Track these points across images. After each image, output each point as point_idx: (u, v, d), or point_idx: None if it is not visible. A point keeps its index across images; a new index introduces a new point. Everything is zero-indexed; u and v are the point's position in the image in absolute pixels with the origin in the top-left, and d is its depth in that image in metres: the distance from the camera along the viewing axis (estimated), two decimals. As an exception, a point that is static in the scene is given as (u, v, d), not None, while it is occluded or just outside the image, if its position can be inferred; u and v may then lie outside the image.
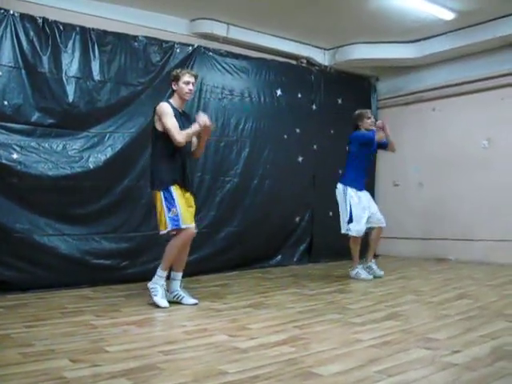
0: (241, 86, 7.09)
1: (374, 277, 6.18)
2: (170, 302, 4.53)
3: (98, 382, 2.57)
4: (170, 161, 4.52)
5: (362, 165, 6.15)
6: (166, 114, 4.45)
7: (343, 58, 8.13)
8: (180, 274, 4.70)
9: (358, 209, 5.98)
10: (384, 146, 6.39)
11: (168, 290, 4.62)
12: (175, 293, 4.65)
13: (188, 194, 4.63)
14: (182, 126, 4.49)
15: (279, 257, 7.47)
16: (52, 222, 5.45)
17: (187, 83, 4.61)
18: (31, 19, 5.44)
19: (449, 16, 6.67)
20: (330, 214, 7.27)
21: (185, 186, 4.58)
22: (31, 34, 5.42)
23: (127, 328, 3.75)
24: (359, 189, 6.10)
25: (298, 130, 7.67)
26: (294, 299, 4.96)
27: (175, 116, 4.50)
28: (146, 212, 5.81)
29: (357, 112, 6.24)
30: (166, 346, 3.25)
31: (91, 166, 5.67)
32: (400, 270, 6.90)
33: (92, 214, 5.72)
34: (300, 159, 7.72)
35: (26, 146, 5.33)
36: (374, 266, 6.31)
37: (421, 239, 8.23)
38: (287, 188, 7.40)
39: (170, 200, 4.42)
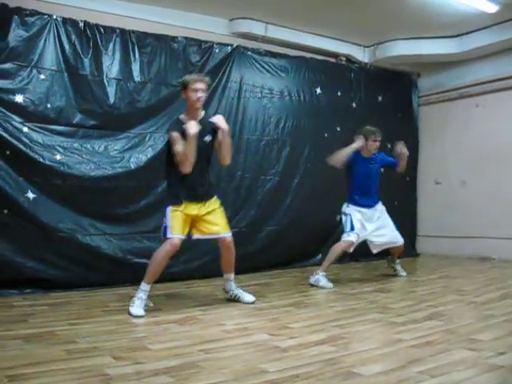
0: (280, 85, 7.07)
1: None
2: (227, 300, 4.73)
3: (140, 379, 2.60)
4: None
5: (365, 184, 5.74)
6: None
7: (383, 55, 8.03)
8: (231, 275, 4.75)
9: (359, 223, 5.71)
10: (393, 165, 5.93)
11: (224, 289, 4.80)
12: (231, 292, 4.75)
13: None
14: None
15: (320, 256, 7.40)
16: (94, 222, 5.54)
17: (195, 91, 4.27)
18: (73, 23, 5.53)
19: (492, 9, 6.50)
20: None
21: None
22: (73, 37, 5.52)
23: (168, 326, 3.80)
24: (365, 206, 5.75)
25: (338, 129, 7.59)
26: (335, 298, 4.94)
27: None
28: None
29: (365, 128, 5.87)
30: (206, 344, 3.28)
31: (132, 167, 5.74)
32: (442, 269, 6.79)
33: (134, 214, 5.79)
34: (340, 158, 7.65)
35: (69, 147, 5.43)
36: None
37: (463, 238, 8.04)
38: (328, 187, 7.33)
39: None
